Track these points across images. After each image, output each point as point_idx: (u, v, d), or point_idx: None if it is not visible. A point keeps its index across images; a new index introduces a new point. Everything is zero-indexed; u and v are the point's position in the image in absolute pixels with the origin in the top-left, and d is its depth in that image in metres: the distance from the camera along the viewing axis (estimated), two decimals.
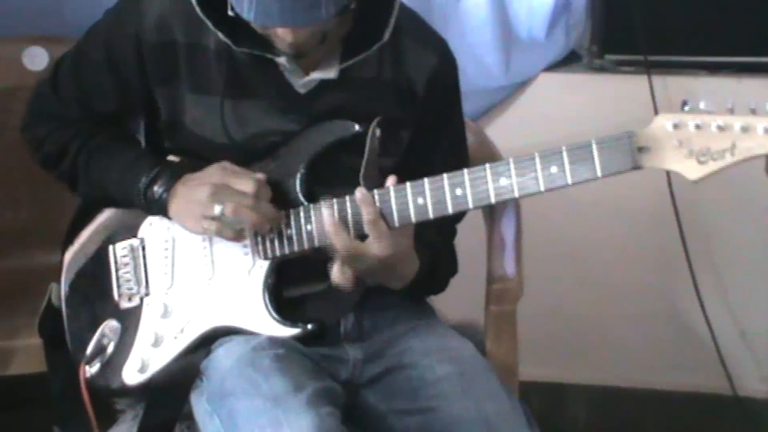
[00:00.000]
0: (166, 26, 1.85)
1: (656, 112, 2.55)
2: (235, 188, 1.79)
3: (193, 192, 1.82)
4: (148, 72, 1.88)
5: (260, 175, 1.82)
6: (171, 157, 1.93)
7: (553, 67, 2.86)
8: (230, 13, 1.72)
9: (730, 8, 2.70)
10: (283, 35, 1.71)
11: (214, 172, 1.82)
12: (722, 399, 2.88)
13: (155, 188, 1.86)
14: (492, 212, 2.25)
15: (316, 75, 1.83)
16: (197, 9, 1.76)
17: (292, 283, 1.88)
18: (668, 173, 1.82)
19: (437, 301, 2.07)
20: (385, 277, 1.82)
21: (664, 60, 2.74)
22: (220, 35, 1.78)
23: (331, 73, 1.83)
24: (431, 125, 1.95)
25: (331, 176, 1.83)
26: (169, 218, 1.88)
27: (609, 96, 2.80)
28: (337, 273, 1.79)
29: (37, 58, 2.64)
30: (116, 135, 1.98)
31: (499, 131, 2.68)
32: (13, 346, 2.36)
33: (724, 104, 1.58)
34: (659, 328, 2.93)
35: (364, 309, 1.92)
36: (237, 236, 1.82)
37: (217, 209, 1.78)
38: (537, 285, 2.33)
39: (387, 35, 1.80)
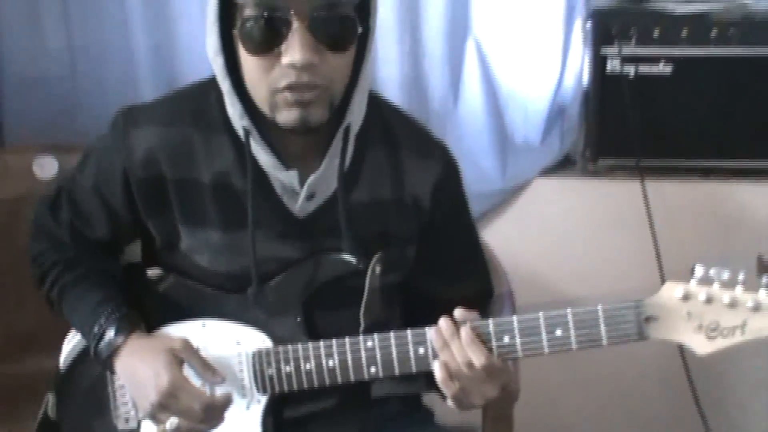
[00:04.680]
0: (154, 161, 1.73)
1: (649, 218, 2.55)
2: (183, 404, 1.69)
3: (143, 383, 1.72)
4: (137, 205, 1.77)
5: (216, 378, 1.74)
6: (153, 271, 1.83)
7: (549, 171, 2.80)
8: (236, 30, 1.62)
9: (721, 114, 2.64)
10: (291, 58, 1.58)
11: (165, 374, 1.70)
12: None
13: (101, 345, 1.76)
14: None
15: (319, 199, 1.73)
16: (232, 93, 1.66)
17: (295, 402, 1.78)
18: None
19: (437, 406, 1.94)
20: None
21: (657, 164, 2.68)
22: (245, 122, 1.66)
23: (330, 190, 1.72)
24: (442, 230, 1.84)
25: (331, 300, 1.75)
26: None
27: (603, 199, 2.73)
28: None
29: (47, 167, 2.57)
30: (92, 270, 1.87)
31: (496, 235, 2.61)
32: None
33: (737, 272, 1.51)
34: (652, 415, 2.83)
35: (367, 423, 1.85)
36: None
37: (169, 426, 1.70)
38: (535, 388, 2.25)
39: (355, 105, 1.69)
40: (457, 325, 1.64)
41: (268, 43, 1.59)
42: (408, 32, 2.68)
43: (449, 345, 1.63)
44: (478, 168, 2.72)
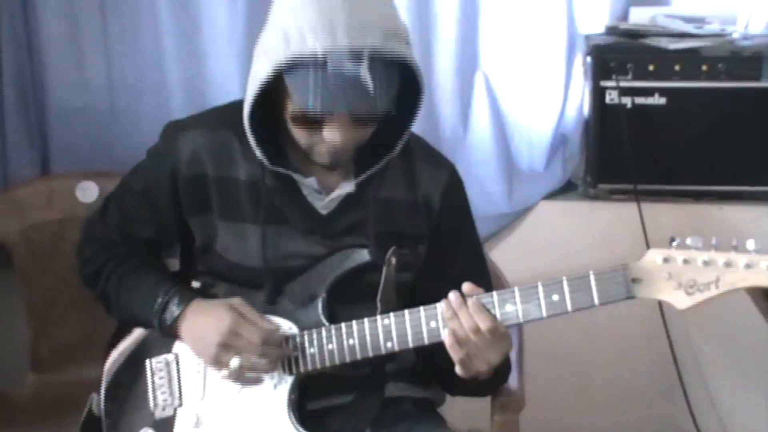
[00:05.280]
0: (199, 161, 1.86)
1: (645, 238, 2.65)
2: (245, 337, 1.78)
3: (205, 333, 1.81)
4: (182, 203, 1.88)
5: (270, 326, 1.81)
6: (195, 284, 1.92)
7: (552, 195, 2.85)
8: (287, 114, 1.72)
9: (711, 142, 2.70)
10: (331, 138, 1.70)
11: (225, 316, 1.80)
12: None
13: (167, 314, 1.85)
14: None
15: (336, 194, 1.83)
16: (246, 123, 1.75)
17: (316, 396, 1.85)
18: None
19: (448, 411, 2.04)
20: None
21: (653, 189, 2.73)
22: (258, 153, 1.77)
23: (348, 188, 1.83)
24: (449, 234, 1.94)
25: (351, 295, 1.82)
26: (182, 341, 1.87)
27: (602, 221, 2.79)
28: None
29: (88, 192, 2.64)
30: (145, 262, 1.97)
31: (503, 255, 2.67)
32: None
33: (709, 240, 1.61)
34: None
35: (381, 420, 1.89)
36: (251, 382, 1.82)
37: (233, 363, 1.78)
38: (539, 394, 2.29)
39: (398, 148, 1.80)
40: (464, 297, 1.71)
41: (314, 122, 1.72)
42: (422, 67, 2.68)
43: (457, 314, 1.70)
44: (486, 193, 2.77)
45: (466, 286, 1.73)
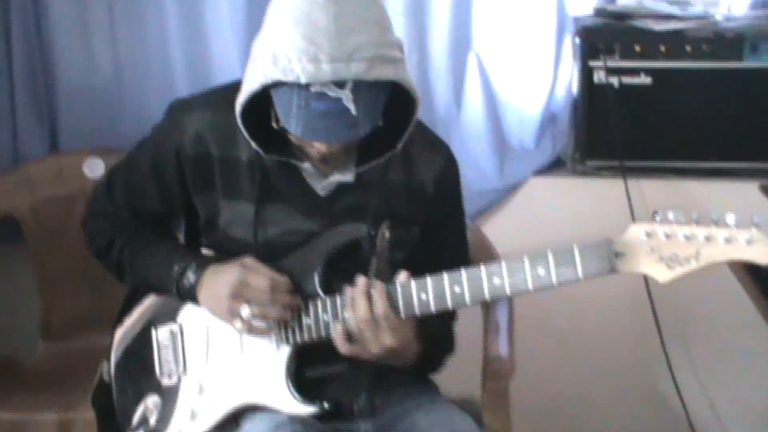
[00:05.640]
0: (203, 141, 1.86)
1: (631, 212, 2.69)
2: (253, 285, 1.80)
3: (217, 288, 1.83)
4: (187, 181, 1.90)
5: (278, 275, 1.83)
6: (205, 251, 1.94)
7: (541, 172, 2.86)
8: (275, 125, 1.73)
9: (695, 120, 2.72)
10: (318, 146, 1.72)
11: (234, 270, 1.82)
12: None
13: (185, 280, 1.87)
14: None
15: (335, 178, 1.84)
16: (239, 120, 1.74)
17: (313, 364, 1.88)
18: None
19: (440, 379, 2.05)
20: (389, 359, 1.82)
21: (638, 165, 2.74)
22: (253, 144, 1.78)
23: (348, 177, 1.83)
24: (438, 220, 1.94)
25: (346, 270, 1.82)
26: (199, 306, 1.89)
27: (590, 197, 2.80)
28: (343, 345, 1.78)
29: (95, 168, 2.67)
30: (156, 232, 1.99)
31: (494, 229, 2.68)
32: (72, 418, 2.36)
33: (690, 214, 1.59)
34: (638, 400, 2.90)
35: (376, 388, 1.91)
36: (265, 331, 1.83)
37: (244, 312, 1.80)
38: (529, 363, 2.32)
39: (399, 146, 1.79)
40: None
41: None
42: (416, 48, 2.73)
43: (356, 300, 1.75)
44: (478, 169, 2.78)
45: (403, 275, 1.75)
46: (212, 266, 1.86)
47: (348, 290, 1.76)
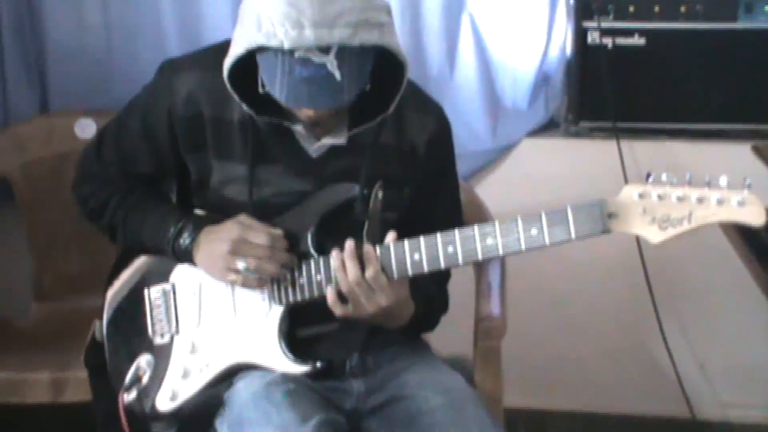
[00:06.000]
0: (195, 101, 1.86)
1: (624, 174, 2.69)
2: (252, 242, 1.80)
3: (215, 246, 1.83)
4: (178, 141, 1.90)
5: (275, 231, 1.83)
6: (198, 211, 1.94)
7: (534, 133, 2.86)
8: (260, 90, 1.73)
9: (689, 81, 2.72)
10: (306, 111, 1.73)
11: (233, 227, 1.83)
12: (683, 422, 2.89)
13: (181, 240, 1.87)
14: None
15: (327, 141, 1.83)
16: (227, 83, 1.74)
17: (305, 324, 1.89)
18: None
19: (432, 338, 2.06)
20: (383, 321, 1.84)
21: (631, 126, 2.75)
22: (244, 106, 1.77)
23: (340, 139, 1.83)
24: (431, 182, 1.95)
25: (339, 230, 1.83)
26: (196, 266, 1.89)
27: (583, 158, 2.81)
28: (336, 307, 1.79)
29: (87, 128, 2.66)
30: (149, 193, 1.99)
31: (487, 190, 2.70)
32: (65, 377, 2.37)
33: (684, 176, 1.60)
34: (628, 361, 2.92)
35: (367, 347, 1.93)
36: (260, 284, 1.84)
37: (240, 264, 1.80)
38: (520, 324, 2.32)
39: (392, 109, 1.79)
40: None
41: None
42: (408, 9, 2.72)
43: (345, 263, 1.75)
44: (471, 130, 2.77)
45: (390, 236, 1.76)
46: (208, 226, 1.86)
47: (336, 253, 1.77)
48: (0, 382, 2.39)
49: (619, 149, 2.72)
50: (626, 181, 2.62)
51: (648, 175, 1.61)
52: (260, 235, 1.81)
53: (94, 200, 2.00)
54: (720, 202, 1.56)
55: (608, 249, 2.62)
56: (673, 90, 2.72)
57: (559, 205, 1.66)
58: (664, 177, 1.60)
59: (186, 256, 1.88)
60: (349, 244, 1.76)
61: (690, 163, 2.64)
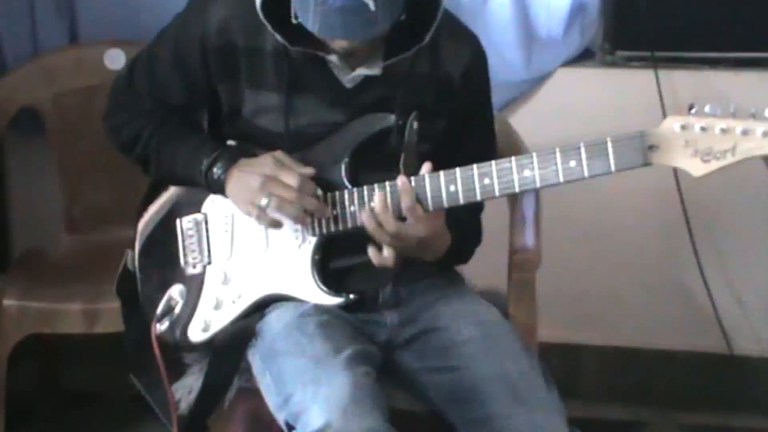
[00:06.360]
0: (228, 30, 1.85)
1: (662, 105, 2.66)
2: (282, 181, 1.79)
3: (247, 179, 1.82)
4: (211, 70, 1.89)
5: (307, 170, 1.82)
6: (230, 142, 1.93)
7: (569, 63, 2.82)
8: (294, 21, 1.72)
9: (730, 7, 2.67)
10: (340, 42, 1.72)
11: (267, 163, 1.82)
12: (720, 358, 2.87)
13: (214, 170, 1.86)
14: None
15: (362, 71, 1.82)
16: (260, 13, 1.74)
17: (338, 255, 1.88)
18: None
19: (466, 270, 2.06)
20: (420, 253, 1.83)
21: (669, 56, 2.71)
22: (278, 37, 1.77)
23: (375, 70, 1.81)
24: (466, 113, 1.93)
25: (374, 162, 1.82)
26: (227, 197, 1.88)
27: (620, 89, 2.77)
28: (376, 254, 1.78)
29: (116, 59, 2.66)
30: (183, 123, 1.98)
31: (521, 121, 2.66)
32: (98, 308, 2.39)
33: (728, 107, 1.57)
34: (664, 295, 2.90)
35: (400, 279, 1.92)
36: (274, 225, 1.83)
37: (263, 201, 1.79)
38: (555, 257, 2.32)
39: (428, 38, 1.78)
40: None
41: None
42: None
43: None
44: (504, 59, 2.74)
45: (426, 166, 1.74)
46: (243, 159, 1.86)
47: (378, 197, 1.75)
48: (33, 312, 2.42)
49: (657, 79, 2.68)
50: (664, 112, 2.62)
51: (691, 107, 1.59)
52: (290, 175, 1.79)
53: (127, 131, 1.99)
54: (766, 134, 1.54)
55: (645, 181, 2.58)
56: (714, 16, 2.67)
57: (594, 137, 1.64)
58: (707, 108, 1.58)
59: (218, 187, 1.87)
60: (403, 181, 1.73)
61: (732, 94, 2.58)
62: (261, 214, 1.81)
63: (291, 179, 1.79)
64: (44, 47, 2.76)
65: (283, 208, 1.79)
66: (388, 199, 1.76)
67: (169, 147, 1.94)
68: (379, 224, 1.75)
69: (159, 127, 1.96)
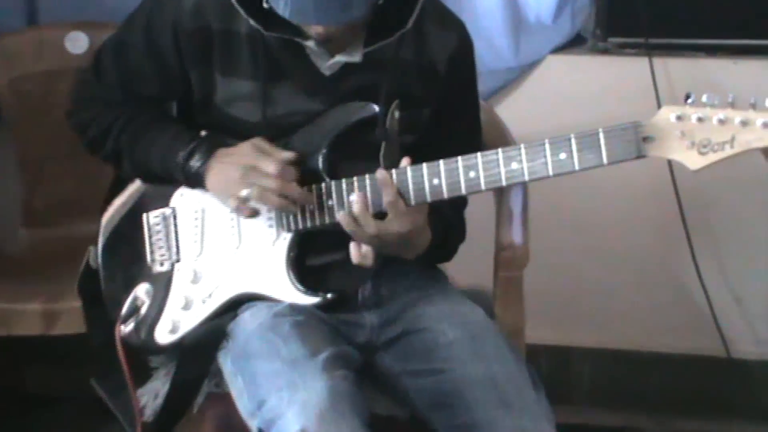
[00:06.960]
0: (202, 13, 1.83)
1: (656, 93, 2.63)
2: (263, 170, 1.77)
3: (227, 170, 1.81)
4: (183, 55, 1.86)
5: (288, 154, 1.80)
6: (203, 132, 1.90)
7: (560, 49, 2.83)
8: (265, 5, 1.71)
9: None
10: (315, 27, 1.71)
11: (246, 152, 1.80)
12: (717, 361, 2.89)
13: (191, 163, 1.84)
14: None
15: (341, 58, 1.81)
16: (234, 2, 1.74)
17: (315, 252, 1.87)
18: None
19: (449, 268, 2.05)
20: (400, 250, 1.81)
21: (664, 42, 2.72)
22: (252, 22, 1.75)
23: (355, 57, 1.80)
24: (451, 102, 1.93)
25: (353, 152, 1.81)
26: (207, 191, 1.86)
27: (612, 77, 2.78)
28: (357, 252, 1.76)
29: (78, 43, 2.65)
30: (155, 115, 1.95)
31: (509, 110, 2.67)
32: (58, 308, 2.37)
33: (726, 97, 1.56)
34: (659, 294, 2.91)
35: (381, 277, 1.91)
36: (251, 214, 1.81)
37: (244, 192, 1.77)
38: (544, 254, 2.31)
39: (410, 24, 1.77)
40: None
41: None
42: None
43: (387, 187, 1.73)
44: (492, 46, 2.75)
45: (405, 160, 1.73)
46: (221, 149, 1.84)
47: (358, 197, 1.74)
48: None
49: (651, 67, 2.69)
50: (659, 102, 2.61)
51: (687, 96, 1.58)
52: (269, 162, 1.78)
53: (96, 126, 1.95)
54: (766, 125, 1.53)
55: (638, 174, 2.61)
56: (711, 1, 2.68)
57: (586, 127, 1.63)
58: (704, 98, 1.57)
59: (197, 180, 1.85)
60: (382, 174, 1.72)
61: (730, 83, 2.61)
62: (235, 204, 1.79)
63: (270, 167, 1.77)
64: (1, 29, 2.73)
65: (265, 198, 1.78)
66: (369, 198, 1.75)
67: (142, 141, 1.91)
68: (359, 226, 1.74)
69: (130, 120, 1.93)
